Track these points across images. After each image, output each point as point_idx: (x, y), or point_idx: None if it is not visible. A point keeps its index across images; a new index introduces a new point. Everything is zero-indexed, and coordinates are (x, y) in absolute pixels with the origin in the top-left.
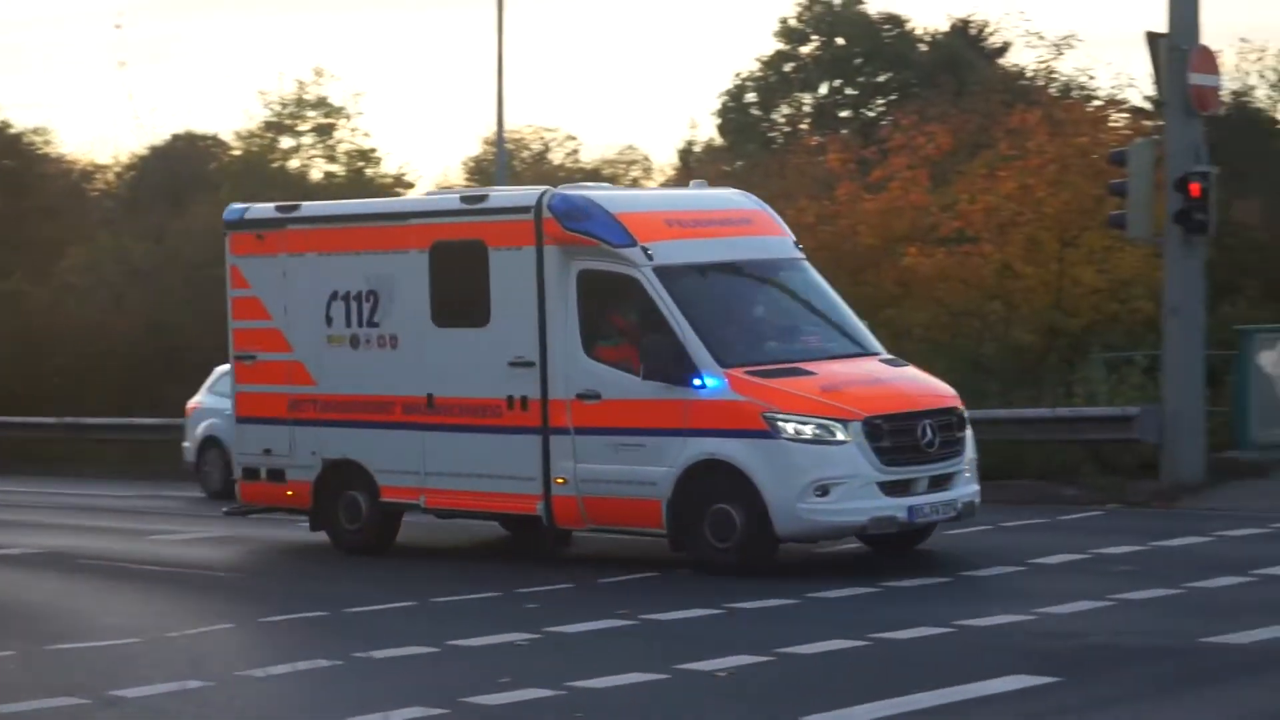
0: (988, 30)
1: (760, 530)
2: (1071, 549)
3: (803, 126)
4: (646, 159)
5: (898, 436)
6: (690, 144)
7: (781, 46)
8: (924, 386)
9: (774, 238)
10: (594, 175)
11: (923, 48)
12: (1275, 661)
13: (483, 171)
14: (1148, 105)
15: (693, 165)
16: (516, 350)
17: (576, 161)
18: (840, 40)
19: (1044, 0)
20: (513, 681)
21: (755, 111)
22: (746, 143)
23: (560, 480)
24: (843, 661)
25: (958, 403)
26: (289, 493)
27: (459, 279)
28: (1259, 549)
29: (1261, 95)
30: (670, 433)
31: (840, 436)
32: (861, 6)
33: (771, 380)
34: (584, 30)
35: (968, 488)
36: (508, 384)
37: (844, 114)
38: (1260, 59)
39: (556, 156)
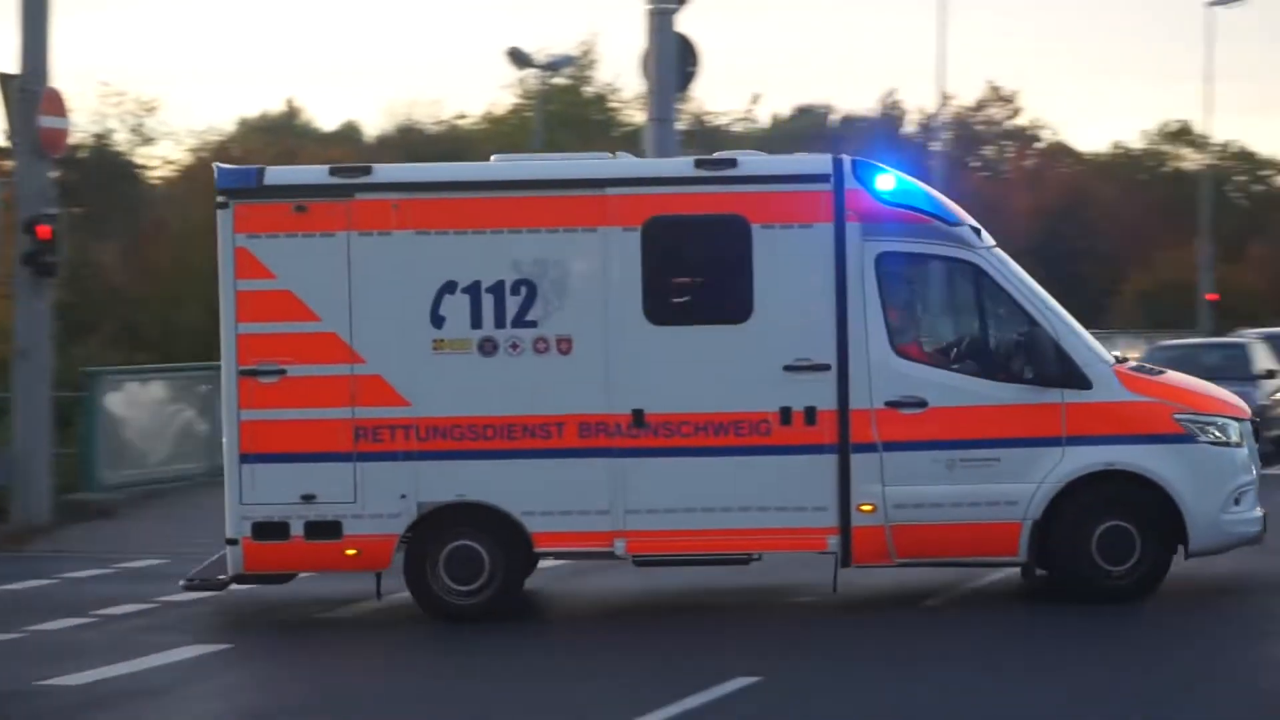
0: None
1: (1163, 547)
2: None
3: None
4: None
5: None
6: None
7: None
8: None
9: None
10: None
11: None
12: (101, 701)
13: None
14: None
15: None
16: (796, 351)
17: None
18: None
19: None
20: None
21: None
22: None
23: (867, 508)
24: None
25: None
26: (350, 551)
27: (696, 263)
28: (101, 589)
29: (121, 139)
30: (1041, 442)
31: (1236, 438)
32: None
33: (1158, 379)
34: None
35: None
36: (782, 393)
37: None
38: (120, 102)
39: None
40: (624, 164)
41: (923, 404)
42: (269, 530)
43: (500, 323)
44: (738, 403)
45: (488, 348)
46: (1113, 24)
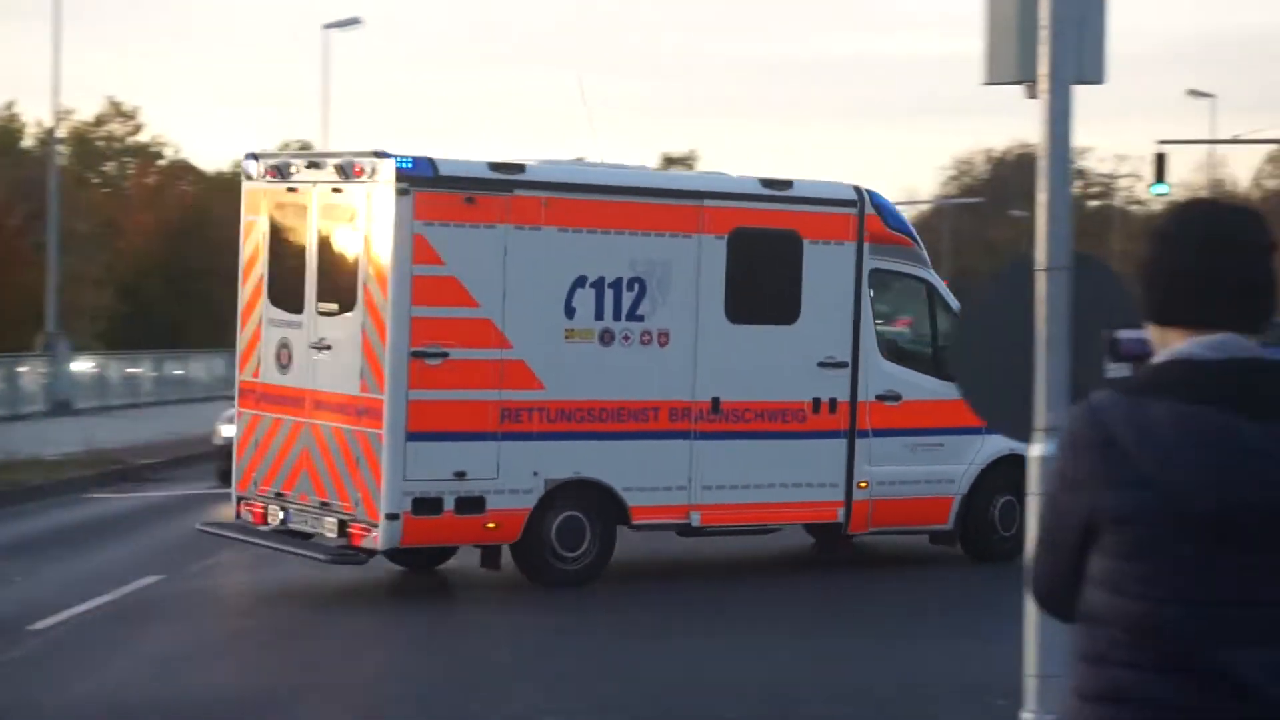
0: None
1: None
2: None
3: None
4: None
5: None
6: None
7: None
8: None
9: None
10: None
11: None
12: None
13: None
14: None
15: None
16: (826, 350)
17: None
18: None
19: None
20: None
21: None
22: None
23: (863, 484)
24: None
25: None
26: (490, 525)
27: (764, 271)
28: None
29: None
30: (970, 430)
31: None
32: None
33: None
34: None
35: None
36: (815, 385)
37: None
38: None
39: None
40: (717, 179)
41: (898, 398)
42: (426, 505)
43: (618, 315)
44: (786, 393)
45: (606, 338)
46: (235, 43)
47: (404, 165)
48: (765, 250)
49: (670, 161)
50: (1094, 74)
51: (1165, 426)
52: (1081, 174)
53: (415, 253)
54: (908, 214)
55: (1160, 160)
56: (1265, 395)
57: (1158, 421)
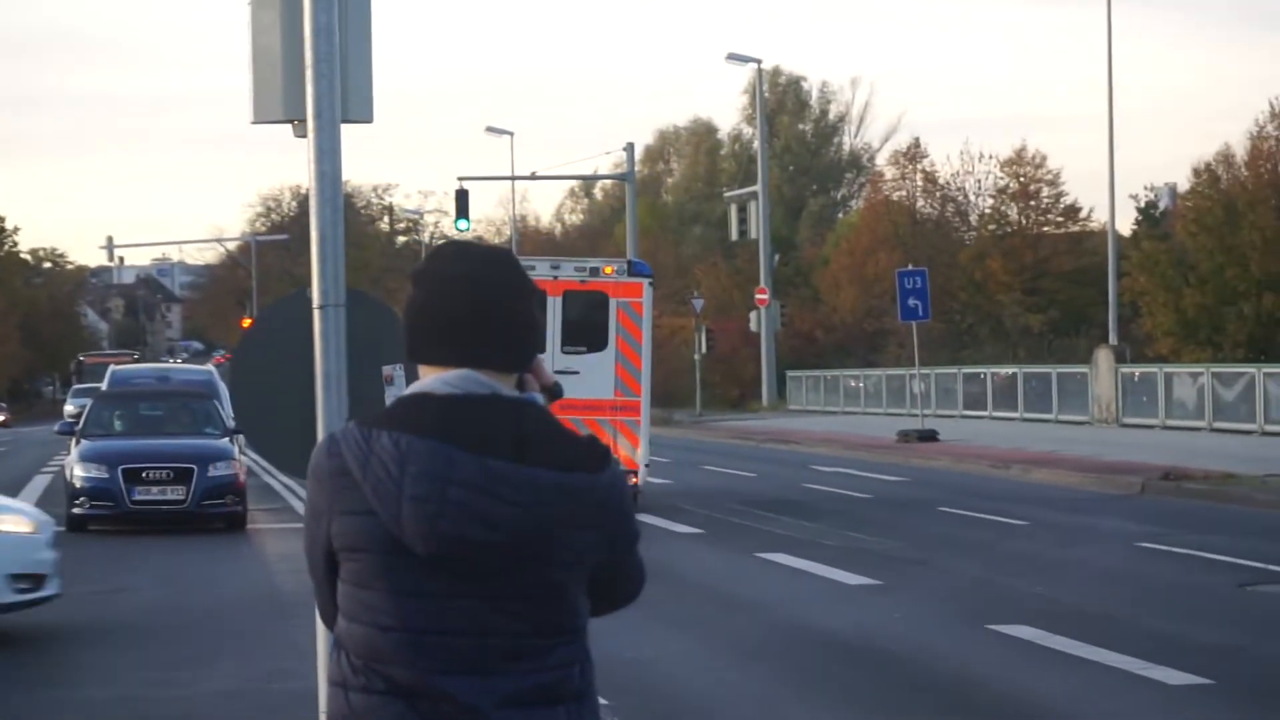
0: None
1: None
2: None
3: None
4: None
5: None
6: None
7: None
8: None
9: None
10: None
11: None
12: None
13: None
14: None
15: None
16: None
17: None
18: None
19: None
20: None
21: None
22: None
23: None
24: None
25: None
26: None
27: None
28: None
29: None
30: None
31: None
32: None
33: None
34: None
35: None
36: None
37: None
38: None
39: None
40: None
41: None
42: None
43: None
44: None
45: None
46: None
47: (646, 270)
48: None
49: None
50: (361, 113)
51: (388, 456)
52: (390, 210)
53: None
54: (214, 251)
55: (462, 196)
56: (484, 430)
57: (382, 451)
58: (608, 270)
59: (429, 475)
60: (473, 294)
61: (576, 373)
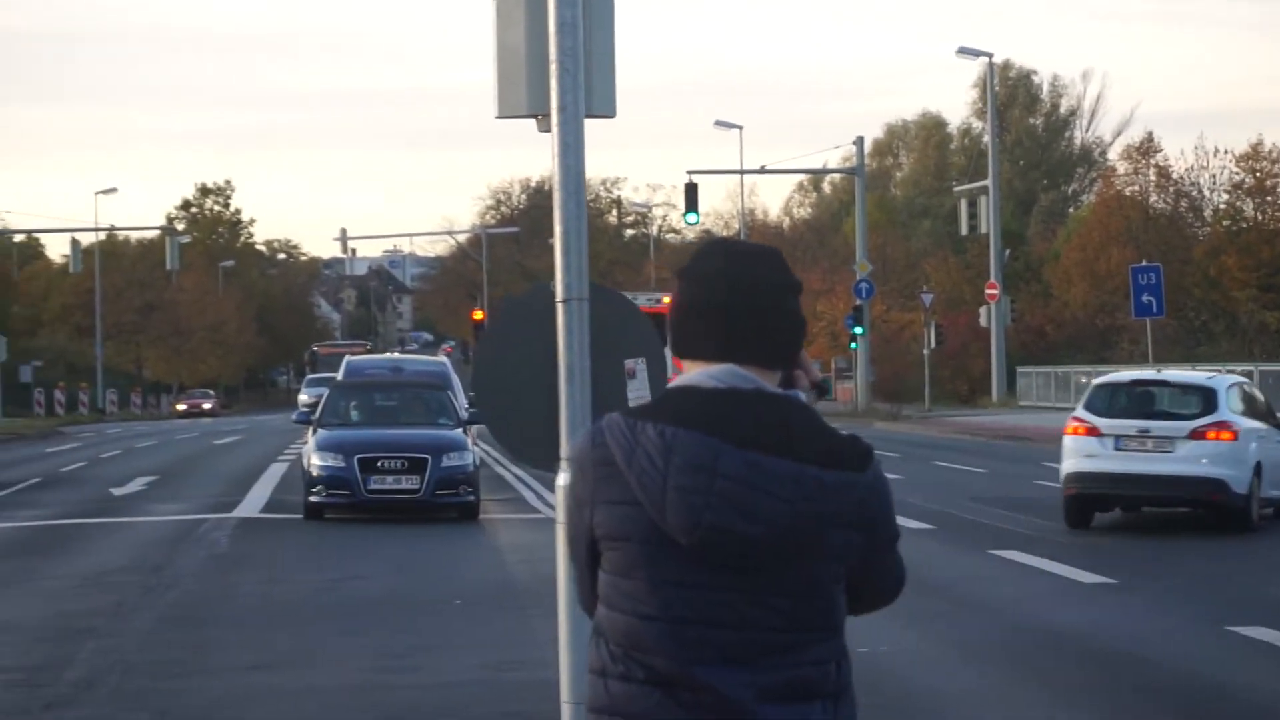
0: None
1: None
2: None
3: None
4: None
5: None
6: None
7: None
8: None
9: None
10: None
11: None
12: None
13: None
14: None
15: None
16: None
17: None
18: None
19: None
20: None
21: None
22: None
23: None
24: None
25: None
26: None
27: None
28: None
29: None
30: None
31: None
32: None
33: None
34: None
35: None
36: None
37: None
38: None
39: None
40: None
41: None
42: None
43: None
44: None
45: None
46: None
47: None
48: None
49: (205, 192)
50: (604, 107)
51: (653, 447)
52: (619, 204)
53: None
54: (444, 243)
55: (692, 190)
56: (750, 425)
57: (647, 442)
58: None
59: (695, 466)
60: (734, 290)
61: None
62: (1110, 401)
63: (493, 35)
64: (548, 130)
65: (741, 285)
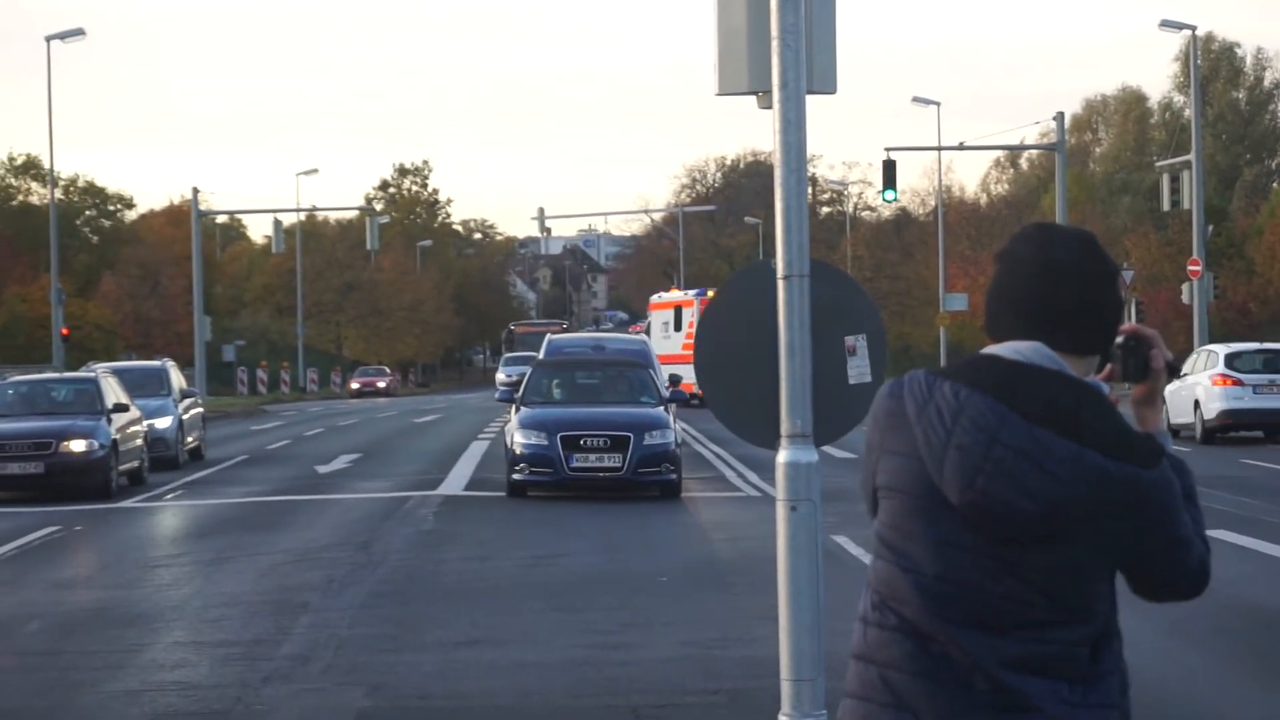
0: None
1: None
2: None
3: None
4: None
5: None
6: None
7: None
8: None
9: None
10: None
11: None
12: None
13: None
14: None
15: None
16: None
17: None
18: None
19: None
20: None
21: None
22: None
23: None
24: None
25: None
26: None
27: None
28: None
29: None
30: None
31: None
32: None
33: None
34: None
35: None
36: None
37: None
38: None
39: None
40: None
41: None
42: None
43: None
44: None
45: None
46: None
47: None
48: None
49: (403, 172)
50: (825, 84)
51: (945, 404)
52: (814, 181)
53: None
54: (639, 222)
55: (889, 167)
56: (1041, 401)
57: (941, 399)
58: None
59: (978, 428)
60: (1045, 276)
61: None
62: (1247, 363)
63: (713, 12)
64: (768, 107)
65: (1051, 271)
